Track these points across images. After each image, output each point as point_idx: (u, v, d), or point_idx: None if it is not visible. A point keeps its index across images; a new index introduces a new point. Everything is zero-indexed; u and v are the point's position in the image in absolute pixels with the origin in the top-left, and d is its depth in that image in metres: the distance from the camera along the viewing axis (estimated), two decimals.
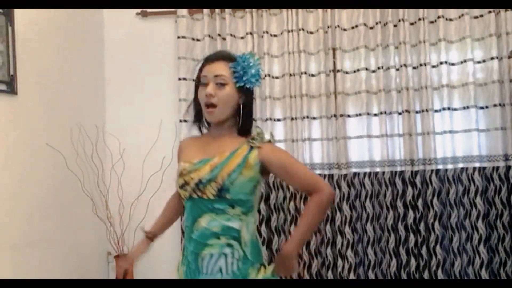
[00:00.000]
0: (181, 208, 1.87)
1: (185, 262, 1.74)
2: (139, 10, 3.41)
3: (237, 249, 1.64)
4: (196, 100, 1.74)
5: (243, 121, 1.71)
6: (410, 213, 3.08)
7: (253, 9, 3.25)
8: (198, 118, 1.78)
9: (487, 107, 3.09)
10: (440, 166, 3.09)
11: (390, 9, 3.15)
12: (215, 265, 1.64)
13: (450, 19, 3.14)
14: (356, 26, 3.20)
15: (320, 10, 3.22)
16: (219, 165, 1.64)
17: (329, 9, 3.22)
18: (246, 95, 1.71)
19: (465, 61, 3.09)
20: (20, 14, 2.52)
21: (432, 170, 3.07)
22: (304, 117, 3.20)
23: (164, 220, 1.99)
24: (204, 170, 1.65)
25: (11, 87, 2.44)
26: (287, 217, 3.19)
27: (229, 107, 1.68)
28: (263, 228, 3.16)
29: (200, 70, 1.72)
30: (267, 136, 1.70)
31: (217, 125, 1.73)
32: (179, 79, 3.31)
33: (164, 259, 3.33)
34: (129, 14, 3.44)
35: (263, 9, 3.25)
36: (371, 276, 3.11)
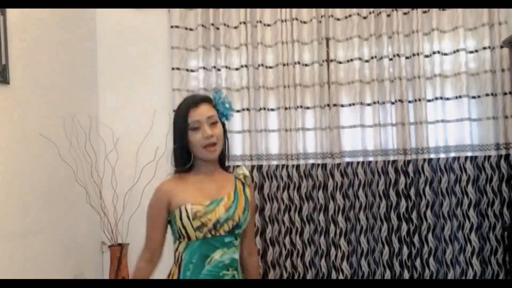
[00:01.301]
0: (152, 274, 1.89)
1: None
2: None
3: (237, 277, 1.84)
4: (184, 147, 1.79)
5: (224, 154, 1.88)
6: (403, 202, 3.11)
7: (247, 13, 3.25)
8: (186, 161, 1.82)
9: (479, 96, 3.11)
10: (432, 155, 3.12)
11: (383, 8, 3.14)
12: None
13: (443, 9, 3.14)
14: (350, 16, 3.21)
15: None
16: (232, 205, 1.80)
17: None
18: (224, 128, 1.87)
19: (457, 51, 3.11)
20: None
21: (424, 159, 3.09)
22: (297, 107, 3.21)
23: None
24: (219, 210, 1.77)
25: (3, 77, 2.43)
26: (282, 228, 3.21)
27: (221, 143, 1.82)
28: (257, 240, 3.17)
29: (187, 116, 1.78)
30: (248, 174, 1.92)
31: (205, 165, 1.83)
32: (172, 68, 3.30)
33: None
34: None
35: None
36: (364, 264, 3.14)
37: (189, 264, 1.77)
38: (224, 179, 1.86)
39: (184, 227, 1.75)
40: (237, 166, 1.95)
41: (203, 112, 1.78)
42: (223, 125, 1.86)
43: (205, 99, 1.83)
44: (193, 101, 1.81)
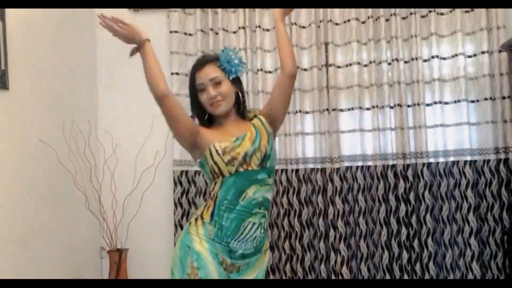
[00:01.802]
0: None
1: (216, 233, 1.84)
2: None
3: (267, 219, 1.92)
4: (198, 106, 1.94)
5: (243, 105, 1.97)
6: (402, 206, 3.11)
7: (246, 13, 3.26)
8: (204, 118, 1.96)
9: (478, 100, 3.12)
10: (431, 160, 3.12)
11: (381, 8, 3.16)
12: (253, 233, 1.85)
13: (441, 14, 3.16)
14: (348, 20, 3.21)
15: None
16: (256, 137, 1.87)
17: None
18: (238, 82, 1.95)
19: (456, 55, 3.12)
20: (11, 9, 2.50)
21: (423, 164, 3.09)
22: (296, 111, 3.21)
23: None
24: (245, 144, 1.85)
25: (2, 82, 2.43)
26: (281, 233, 3.21)
27: (231, 98, 1.91)
28: None
29: (193, 79, 1.92)
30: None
31: (224, 117, 1.94)
32: (172, 73, 3.31)
33: (158, 258, 3.34)
34: (121, 8, 3.41)
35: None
36: (364, 269, 3.14)
37: (224, 200, 1.84)
38: (244, 124, 1.95)
39: (216, 164, 1.83)
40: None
41: (207, 73, 1.88)
42: (237, 79, 1.94)
43: (210, 60, 1.92)
44: (198, 63, 1.93)
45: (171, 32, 3.31)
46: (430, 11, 3.13)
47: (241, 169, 1.83)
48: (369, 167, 3.17)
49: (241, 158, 1.83)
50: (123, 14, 3.40)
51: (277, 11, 2.00)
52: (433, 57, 3.15)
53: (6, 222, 2.44)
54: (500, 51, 3.00)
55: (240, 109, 1.97)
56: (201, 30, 3.29)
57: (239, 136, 1.87)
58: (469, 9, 3.13)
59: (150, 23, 3.41)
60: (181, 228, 3.23)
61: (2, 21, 2.43)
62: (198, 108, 1.94)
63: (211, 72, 1.89)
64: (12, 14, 2.51)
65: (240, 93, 1.95)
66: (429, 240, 3.07)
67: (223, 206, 1.84)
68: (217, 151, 1.84)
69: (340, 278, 3.12)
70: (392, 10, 3.15)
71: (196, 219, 1.89)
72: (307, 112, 3.24)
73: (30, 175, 2.64)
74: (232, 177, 1.84)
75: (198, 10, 3.28)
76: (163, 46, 3.38)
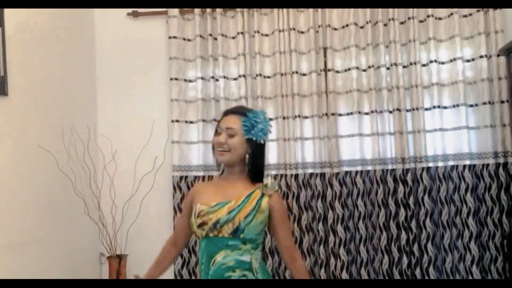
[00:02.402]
0: (175, 257, 2.20)
1: None
2: (130, 10, 3.41)
3: (251, 277, 1.90)
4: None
5: (252, 168, 1.98)
6: (402, 211, 3.10)
7: (244, 9, 3.26)
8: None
9: (476, 105, 3.12)
10: (430, 164, 3.12)
11: (380, 8, 3.17)
12: None
13: (440, 18, 3.17)
14: (347, 25, 3.22)
15: (310, 9, 3.23)
16: (236, 208, 1.89)
17: (319, 9, 3.23)
18: (254, 146, 1.96)
19: (454, 59, 3.12)
20: (10, 15, 2.51)
21: (423, 168, 3.09)
22: (295, 116, 3.21)
23: (158, 270, 2.14)
24: (221, 212, 1.89)
25: (1, 88, 2.43)
26: None
27: (237, 153, 1.94)
28: None
29: (219, 120, 2.01)
30: (276, 186, 1.98)
31: (229, 169, 2.00)
32: (171, 79, 3.31)
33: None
34: (120, 14, 3.43)
35: (254, 8, 3.26)
36: (364, 274, 3.13)
37: (201, 265, 1.93)
38: (245, 188, 1.96)
39: (192, 224, 1.94)
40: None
41: (226, 122, 1.96)
42: (255, 143, 1.95)
43: (237, 112, 1.99)
44: (230, 110, 2.04)
45: (170, 37, 3.32)
46: (428, 16, 3.14)
47: (211, 234, 1.89)
48: (368, 171, 3.17)
49: (211, 224, 1.89)
50: (122, 21, 3.43)
51: None
52: (431, 61, 3.16)
53: (6, 229, 2.43)
54: (498, 55, 3.01)
55: (250, 172, 1.98)
56: (200, 36, 3.29)
57: (222, 201, 1.92)
58: (467, 14, 3.14)
59: (149, 28, 3.44)
60: None
61: (1, 26, 2.43)
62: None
63: (231, 122, 1.95)
64: (11, 19, 2.51)
65: (249, 156, 1.96)
66: (429, 245, 3.07)
67: (202, 271, 1.93)
68: (195, 212, 1.93)
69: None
70: (391, 15, 3.16)
71: None
72: (306, 117, 3.24)
73: (29, 181, 2.63)
74: (204, 240, 1.92)
75: (197, 16, 3.29)
76: (162, 51, 3.40)
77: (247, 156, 1.96)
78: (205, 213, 1.90)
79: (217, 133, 1.98)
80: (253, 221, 1.89)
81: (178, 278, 3.23)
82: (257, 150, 1.98)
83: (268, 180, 1.96)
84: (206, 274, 1.89)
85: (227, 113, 2.01)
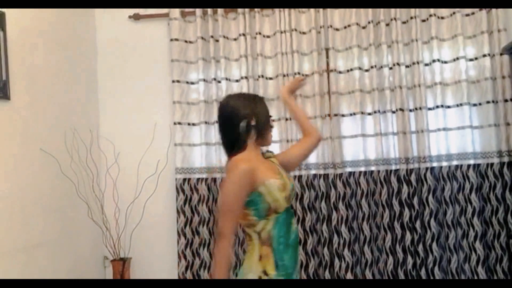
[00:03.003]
0: None
1: (283, 275, 1.78)
2: (131, 13, 3.41)
3: None
4: (262, 129, 1.91)
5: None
6: (406, 211, 3.09)
7: (246, 10, 3.26)
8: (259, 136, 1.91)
9: (480, 104, 3.11)
10: (434, 164, 3.10)
11: (382, 8, 3.16)
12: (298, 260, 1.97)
13: (442, 17, 3.15)
14: (349, 25, 3.21)
15: (312, 10, 3.22)
16: (287, 175, 1.94)
17: (321, 9, 3.23)
18: None
19: (457, 58, 3.11)
20: (12, 19, 2.51)
21: (426, 168, 3.08)
22: None
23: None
24: (287, 181, 1.88)
25: (3, 92, 2.43)
26: None
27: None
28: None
29: (267, 109, 1.98)
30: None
31: (256, 150, 1.92)
32: (173, 81, 3.31)
33: (162, 266, 3.33)
34: (122, 17, 3.44)
35: (256, 10, 3.26)
36: (368, 275, 3.11)
37: (280, 238, 1.79)
38: (267, 161, 1.96)
39: (277, 201, 1.78)
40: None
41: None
42: None
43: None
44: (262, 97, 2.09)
45: (171, 40, 3.31)
46: (430, 15, 3.13)
47: (288, 206, 1.87)
48: (372, 172, 3.16)
49: (292, 193, 1.91)
50: (124, 24, 3.43)
51: (283, 91, 2.18)
52: (434, 61, 3.15)
53: (9, 232, 2.43)
54: (501, 54, 3.00)
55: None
56: (202, 38, 3.29)
57: (278, 173, 1.88)
58: (470, 13, 3.13)
59: (151, 31, 3.44)
60: (184, 236, 3.22)
61: (3, 31, 2.43)
62: (262, 130, 1.90)
63: None
64: (12, 24, 2.51)
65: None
66: (434, 245, 3.05)
67: (281, 246, 1.79)
68: (278, 187, 1.80)
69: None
70: (393, 15, 3.15)
71: (260, 278, 1.76)
72: (308, 118, 3.23)
73: (32, 185, 2.63)
74: (283, 213, 1.82)
75: (198, 18, 3.28)
76: (164, 54, 3.39)
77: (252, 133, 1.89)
78: (285, 185, 1.83)
79: (271, 122, 1.98)
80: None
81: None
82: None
83: (267, 153, 2.01)
84: (286, 246, 1.79)
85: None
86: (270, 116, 1.97)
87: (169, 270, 3.30)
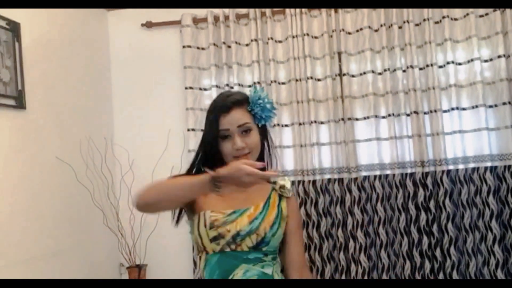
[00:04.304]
0: None
1: None
2: (144, 21, 3.43)
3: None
4: (213, 155, 1.59)
5: (271, 160, 1.68)
6: (423, 215, 3.05)
7: (257, 16, 3.26)
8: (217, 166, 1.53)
9: (496, 105, 3.06)
10: (451, 167, 3.06)
11: (394, 11, 3.14)
12: None
13: (455, 19, 3.12)
14: (361, 29, 3.20)
15: (324, 14, 3.21)
16: (258, 216, 1.56)
17: (333, 13, 3.22)
18: (265, 132, 1.66)
19: (472, 60, 3.07)
20: (27, 29, 2.55)
21: (443, 171, 3.04)
22: (311, 122, 3.19)
23: None
24: (242, 222, 1.54)
25: (19, 102, 2.46)
26: None
27: (257, 151, 1.62)
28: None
29: (217, 122, 1.57)
30: (289, 186, 1.67)
31: None
32: (186, 88, 3.32)
33: (177, 272, 3.34)
34: (134, 25, 3.46)
35: (267, 15, 3.26)
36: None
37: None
38: (259, 189, 1.61)
39: (200, 237, 1.54)
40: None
41: (234, 119, 1.56)
42: (264, 127, 1.65)
43: (238, 103, 1.59)
44: (224, 106, 1.58)
45: (184, 47, 3.33)
46: (443, 17, 3.10)
47: (227, 249, 1.54)
48: (387, 176, 3.13)
49: (230, 237, 1.53)
50: (136, 32, 3.46)
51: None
52: (448, 63, 3.11)
53: (25, 241, 2.45)
54: None
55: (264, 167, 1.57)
56: (214, 44, 3.30)
57: (238, 209, 1.56)
58: (483, 13, 3.10)
59: (163, 38, 3.46)
60: None
61: (18, 41, 2.47)
62: (213, 158, 1.58)
63: (239, 117, 1.57)
64: (27, 34, 2.55)
65: (268, 145, 1.67)
66: (452, 249, 3.01)
67: None
68: (205, 222, 1.54)
69: None
70: (405, 17, 3.12)
71: None
72: (322, 122, 3.22)
73: (48, 193, 2.66)
74: (216, 255, 1.55)
75: (210, 24, 3.29)
76: (176, 61, 3.41)
77: None
78: (221, 224, 1.53)
79: (224, 138, 1.57)
80: (278, 231, 1.58)
81: None
82: (268, 135, 1.68)
83: (284, 181, 1.66)
84: None
85: (224, 109, 1.57)
86: (220, 132, 1.57)
87: (184, 276, 3.30)
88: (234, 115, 1.57)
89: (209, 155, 1.60)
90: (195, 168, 1.62)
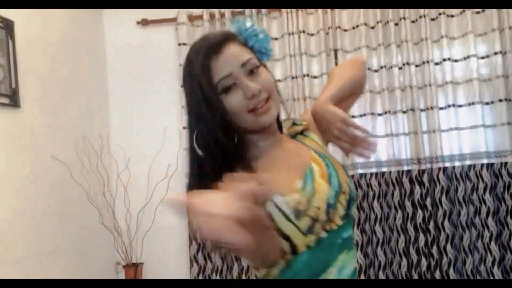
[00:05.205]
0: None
1: None
2: (139, 19, 3.42)
3: None
4: (223, 118, 1.06)
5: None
6: (419, 213, 3.05)
7: (253, 13, 3.25)
8: (230, 144, 1.06)
9: (492, 102, 3.06)
10: (447, 164, 3.06)
11: (390, 8, 3.13)
12: None
13: (452, 16, 3.12)
14: (357, 26, 3.19)
15: (320, 11, 3.20)
16: (329, 171, 1.09)
17: (329, 10, 3.21)
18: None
19: (468, 57, 3.07)
20: (21, 27, 2.53)
21: (439, 168, 3.04)
22: None
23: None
24: (321, 187, 1.05)
25: (13, 101, 2.45)
26: None
27: (277, 93, 1.14)
28: None
29: (209, 73, 1.05)
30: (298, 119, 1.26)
31: (265, 131, 1.13)
32: (181, 86, 3.30)
33: (174, 271, 3.33)
34: (130, 23, 3.45)
35: (263, 12, 3.25)
36: (382, 277, 3.08)
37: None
38: (289, 141, 1.19)
39: (289, 238, 1.02)
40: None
41: (232, 57, 1.07)
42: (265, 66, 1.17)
43: (227, 37, 1.10)
44: (209, 46, 1.07)
45: (179, 44, 3.32)
46: (440, 14, 3.09)
47: (324, 235, 1.04)
48: (383, 173, 3.13)
49: (324, 214, 1.04)
50: (132, 30, 3.44)
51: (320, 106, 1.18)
52: (444, 59, 3.11)
53: (21, 240, 2.44)
54: None
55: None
56: None
57: (304, 172, 1.08)
58: (480, 10, 3.09)
59: (159, 36, 3.44)
60: (196, 240, 3.21)
61: (11, 39, 2.45)
62: (223, 129, 1.06)
63: (238, 52, 1.08)
64: (21, 32, 2.54)
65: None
66: (448, 246, 3.01)
67: None
68: (285, 213, 1.00)
69: None
70: (401, 14, 3.11)
71: None
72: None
73: (43, 192, 2.65)
74: (307, 253, 1.04)
75: (206, 22, 3.28)
76: (172, 59, 3.40)
77: None
78: (306, 203, 1.02)
79: (227, 89, 1.06)
80: (348, 176, 1.13)
81: None
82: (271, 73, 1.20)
83: (295, 119, 1.25)
84: None
85: (214, 49, 1.06)
86: (217, 84, 1.05)
87: (181, 274, 3.30)
88: (230, 52, 1.07)
89: (218, 126, 1.05)
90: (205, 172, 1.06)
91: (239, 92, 1.06)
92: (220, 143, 1.05)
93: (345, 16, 3.21)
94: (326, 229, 1.05)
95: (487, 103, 3.07)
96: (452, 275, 2.99)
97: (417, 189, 3.06)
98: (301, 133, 1.22)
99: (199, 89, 1.06)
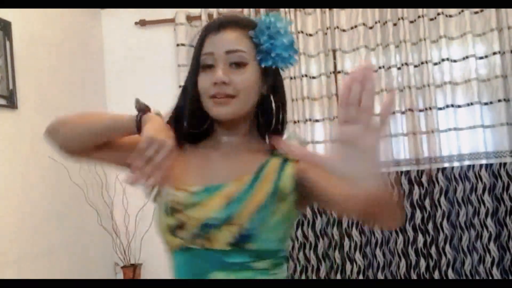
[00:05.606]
0: None
1: None
2: (137, 19, 3.41)
3: None
4: (192, 93, 1.11)
5: (276, 119, 1.12)
6: (418, 213, 3.04)
7: (251, 13, 3.24)
8: (193, 121, 1.13)
9: (491, 102, 3.05)
10: (446, 164, 3.05)
11: (389, 8, 3.12)
12: None
13: (450, 16, 3.11)
14: (356, 26, 3.18)
15: (318, 11, 3.20)
16: (239, 197, 1.03)
17: (327, 11, 3.20)
18: (274, 79, 1.12)
19: (467, 57, 3.06)
20: (18, 28, 2.53)
21: (438, 169, 3.03)
22: (306, 120, 3.18)
23: None
24: (213, 204, 1.04)
25: (11, 101, 2.44)
26: (295, 244, 3.15)
27: (251, 99, 1.08)
28: None
29: (201, 44, 1.10)
30: (301, 138, 1.19)
31: (229, 130, 1.12)
32: (180, 86, 3.30)
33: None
34: (128, 23, 3.44)
35: (261, 13, 3.24)
36: (381, 278, 3.07)
37: None
38: (253, 158, 1.10)
39: (159, 226, 1.10)
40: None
41: (223, 41, 1.07)
42: (273, 73, 1.11)
43: (238, 23, 1.09)
44: (216, 23, 1.10)
45: (178, 45, 3.31)
46: (438, 14, 3.09)
47: (195, 246, 1.05)
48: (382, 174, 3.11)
49: (196, 228, 1.04)
50: (130, 31, 3.44)
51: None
52: (443, 60, 3.10)
53: (19, 241, 2.44)
54: None
55: (263, 126, 1.14)
56: None
57: (212, 184, 1.06)
58: (478, 10, 3.08)
59: (157, 37, 3.44)
60: None
61: (9, 40, 2.45)
62: (192, 103, 1.12)
63: (232, 40, 1.07)
64: (19, 33, 2.53)
65: (274, 98, 1.13)
66: (447, 247, 3.00)
67: None
68: (166, 204, 1.07)
69: None
70: (400, 14, 3.11)
71: None
72: (317, 121, 3.20)
73: (41, 192, 2.64)
74: (183, 254, 1.07)
75: (204, 22, 3.27)
76: (171, 59, 3.39)
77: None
78: (183, 207, 1.04)
79: (206, 67, 1.08)
80: (272, 219, 1.03)
81: None
82: (280, 88, 1.14)
83: (297, 136, 1.20)
84: None
85: (216, 27, 1.08)
86: (201, 56, 1.10)
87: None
88: (224, 36, 1.07)
89: (187, 99, 1.13)
90: (175, 120, 1.17)
91: (210, 75, 1.08)
92: (186, 116, 1.13)
93: (344, 16, 3.20)
94: (201, 245, 1.04)
95: (486, 104, 3.06)
96: (451, 275, 2.99)
97: (416, 189, 3.05)
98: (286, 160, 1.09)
99: (192, 57, 1.13)
